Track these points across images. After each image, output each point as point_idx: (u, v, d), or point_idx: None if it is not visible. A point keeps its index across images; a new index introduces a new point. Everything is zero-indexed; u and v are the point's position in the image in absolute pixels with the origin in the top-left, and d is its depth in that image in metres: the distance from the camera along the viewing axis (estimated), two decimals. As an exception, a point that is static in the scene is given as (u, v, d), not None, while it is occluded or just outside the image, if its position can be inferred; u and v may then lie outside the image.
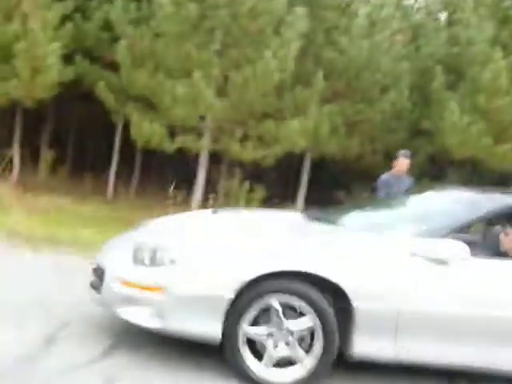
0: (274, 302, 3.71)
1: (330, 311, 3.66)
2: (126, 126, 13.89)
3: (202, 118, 13.04)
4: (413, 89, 14.63)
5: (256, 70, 12.14)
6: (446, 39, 15.03)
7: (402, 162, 8.00)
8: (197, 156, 13.66)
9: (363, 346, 3.75)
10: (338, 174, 17.35)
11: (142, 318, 3.81)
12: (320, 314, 3.68)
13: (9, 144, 13.98)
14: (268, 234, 4.22)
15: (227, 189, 13.67)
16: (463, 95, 13.19)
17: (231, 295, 3.67)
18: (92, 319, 4.60)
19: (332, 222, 4.50)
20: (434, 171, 15.01)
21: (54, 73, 12.66)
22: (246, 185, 13.11)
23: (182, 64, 12.69)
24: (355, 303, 3.67)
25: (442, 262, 3.73)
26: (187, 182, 13.15)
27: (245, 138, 13.18)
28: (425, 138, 14.61)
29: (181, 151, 13.41)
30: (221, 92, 12.66)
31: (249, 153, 13.07)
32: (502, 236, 4.44)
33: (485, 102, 12.49)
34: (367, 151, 15.09)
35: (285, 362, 3.81)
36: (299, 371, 3.76)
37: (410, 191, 8.17)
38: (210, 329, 3.71)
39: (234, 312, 3.71)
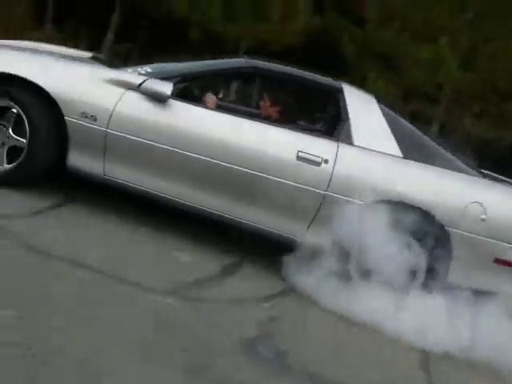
0: None
1: (33, 105, 3.78)
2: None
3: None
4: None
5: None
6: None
7: None
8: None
9: (76, 159, 3.91)
10: None
11: None
12: (22, 105, 3.78)
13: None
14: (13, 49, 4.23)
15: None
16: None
17: None
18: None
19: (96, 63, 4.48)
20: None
21: None
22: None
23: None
24: (66, 117, 3.81)
25: (153, 98, 3.86)
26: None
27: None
28: None
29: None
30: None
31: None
32: (261, 103, 4.72)
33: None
34: None
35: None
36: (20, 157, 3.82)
37: None
38: None
39: None
